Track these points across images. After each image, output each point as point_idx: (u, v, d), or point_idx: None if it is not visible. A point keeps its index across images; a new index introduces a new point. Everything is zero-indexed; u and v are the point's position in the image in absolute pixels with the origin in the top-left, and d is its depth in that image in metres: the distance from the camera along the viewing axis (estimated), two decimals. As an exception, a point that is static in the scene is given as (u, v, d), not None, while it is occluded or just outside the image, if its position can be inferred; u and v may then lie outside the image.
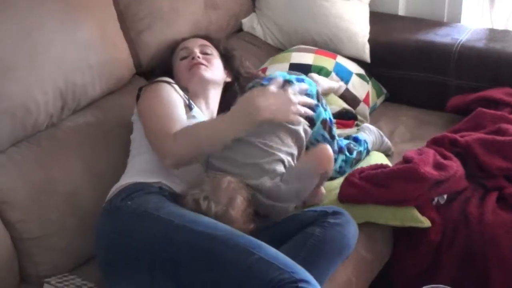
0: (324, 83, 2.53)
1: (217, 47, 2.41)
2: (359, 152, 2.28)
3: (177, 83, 2.32)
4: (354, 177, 2.12)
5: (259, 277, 1.68)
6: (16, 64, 2.03)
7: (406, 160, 2.12)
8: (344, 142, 2.28)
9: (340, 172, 2.22)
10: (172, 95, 2.15)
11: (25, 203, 2.01)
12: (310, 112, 2.06)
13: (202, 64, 2.28)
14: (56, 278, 1.97)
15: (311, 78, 2.41)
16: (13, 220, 1.99)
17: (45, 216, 2.03)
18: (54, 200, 2.06)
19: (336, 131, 2.26)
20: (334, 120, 2.25)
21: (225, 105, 2.30)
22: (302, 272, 1.70)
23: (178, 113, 2.07)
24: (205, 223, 1.82)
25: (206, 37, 2.45)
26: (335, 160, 2.16)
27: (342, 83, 2.62)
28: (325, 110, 2.19)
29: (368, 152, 2.33)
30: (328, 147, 2.03)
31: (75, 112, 2.25)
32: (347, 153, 2.25)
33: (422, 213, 2.10)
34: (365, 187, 2.07)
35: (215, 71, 2.31)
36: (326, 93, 2.51)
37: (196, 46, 2.36)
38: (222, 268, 1.73)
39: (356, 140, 2.33)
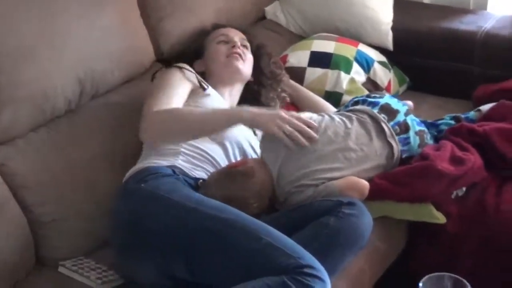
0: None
1: (250, 43, 2.43)
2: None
3: (207, 66, 2.34)
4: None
5: (266, 262, 1.70)
6: (36, 50, 2.05)
7: (423, 156, 2.08)
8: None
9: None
10: (179, 81, 2.19)
11: (42, 187, 2.04)
12: (306, 131, 2.01)
13: (241, 56, 2.31)
14: (71, 261, 1.99)
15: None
16: (30, 203, 2.01)
17: (62, 200, 2.06)
18: (71, 184, 2.09)
19: None
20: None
21: (242, 103, 2.35)
22: (309, 258, 1.71)
23: (172, 98, 2.12)
24: (216, 207, 1.84)
25: (243, 31, 2.47)
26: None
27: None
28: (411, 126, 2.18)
29: None
30: (358, 181, 1.99)
31: (94, 97, 2.27)
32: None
33: (440, 207, 2.07)
34: (383, 185, 2.04)
35: (248, 66, 2.36)
36: None
37: (237, 37, 2.39)
38: (230, 251, 1.75)
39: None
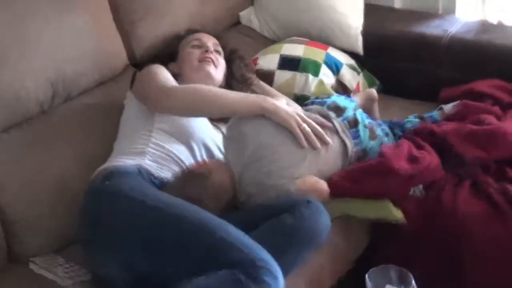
0: None
1: (224, 49, 2.50)
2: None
3: (180, 69, 2.40)
4: None
5: (219, 257, 1.76)
6: (7, 52, 2.12)
7: (380, 155, 2.15)
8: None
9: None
10: (166, 73, 2.27)
11: (14, 186, 2.09)
12: (320, 132, 2.10)
13: (213, 61, 2.38)
14: (40, 258, 2.05)
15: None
16: (3, 204, 2.07)
17: (34, 199, 2.11)
18: (43, 184, 2.14)
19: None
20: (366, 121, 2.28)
21: None
22: (262, 253, 1.76)
23: (172, 81, 2.22)
24: (175, 204, 1.90)
25: (216, 37, 2.54)
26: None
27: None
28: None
29: None
30: (317, 182, 2.07)
31: (67, 100, 2.33)
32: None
33: (398, 205, 2.12)
34: (341, 183, 2.10)
35: (220, 72, 2.42)
36: None
37: (210, 42, 2.45)
38: (186, 248, 1.81)
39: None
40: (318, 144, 2.09)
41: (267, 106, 2.11)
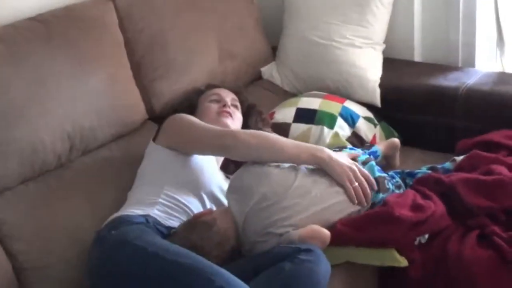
0: None
1: (242, 103, 2.59)
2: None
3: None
4: None
5: None
6: (27, 108, 2.21)
7: (384, 203, 2.16)
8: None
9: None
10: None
11: (29, 236, 2.17)
12: (368, 193, 2.16)
13: (230, 114, 2.46)
14: (51, 305, 2.12)
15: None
16: (15, 251, 2.14)
17: (47, 248, 2.18)
18: (56, 235, 2.21)
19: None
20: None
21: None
22: None
23: None
24: (177, 252, 1.93)
25: (235, 92, 2.63)
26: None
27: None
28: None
29: None
30: (319, 230, 2.07)
31: (84, 153, 2.41)
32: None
33: (403, 253, 2.12)
34: (344, 231, 2.10)
35: (237, 124, 2.50)
36: None
37: (228, 97, 2.54)
38: None
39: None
40: (364, 203, 2.15)
41: (322, 156, 2.16)
